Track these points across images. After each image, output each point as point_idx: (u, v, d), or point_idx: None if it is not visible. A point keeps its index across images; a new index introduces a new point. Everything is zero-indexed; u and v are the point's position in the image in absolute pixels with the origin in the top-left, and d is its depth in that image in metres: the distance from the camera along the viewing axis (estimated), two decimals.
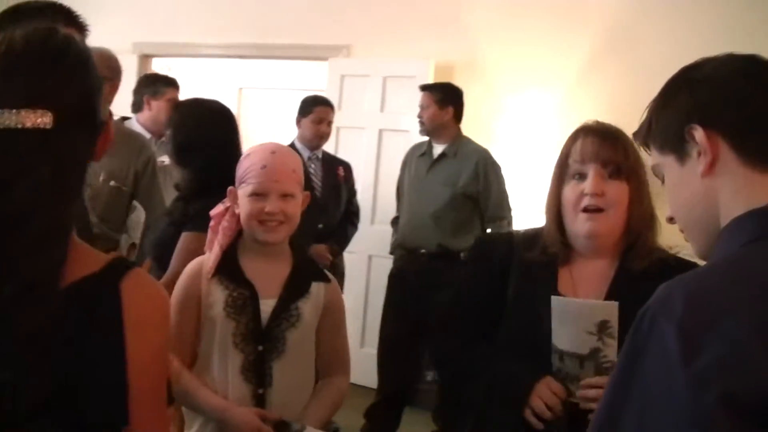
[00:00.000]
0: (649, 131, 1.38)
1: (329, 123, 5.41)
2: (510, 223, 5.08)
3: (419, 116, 5.23)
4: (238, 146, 3.27)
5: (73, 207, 1.32)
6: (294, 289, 2.38)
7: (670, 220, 1.40)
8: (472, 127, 5.52)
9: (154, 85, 4.83)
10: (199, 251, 3.06)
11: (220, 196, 3.09)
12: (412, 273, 5.07)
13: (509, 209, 5.11)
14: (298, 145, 5.36)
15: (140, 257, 3.54)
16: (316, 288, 2.42)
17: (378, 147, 6.32)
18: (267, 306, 2.33)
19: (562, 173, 2.14)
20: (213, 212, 2.45)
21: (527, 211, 5.38)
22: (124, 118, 4.66)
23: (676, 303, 1.08)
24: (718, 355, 1.03)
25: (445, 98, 5.16)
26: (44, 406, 1.20)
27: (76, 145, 1.30)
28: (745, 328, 1.05)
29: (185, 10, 7.05)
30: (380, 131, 6.30)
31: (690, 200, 1.32)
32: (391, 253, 5.38)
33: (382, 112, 6.30)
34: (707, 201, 1.28)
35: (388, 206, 5.89)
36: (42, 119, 1.24)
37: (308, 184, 5.15)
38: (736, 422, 1.00)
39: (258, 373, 2.31)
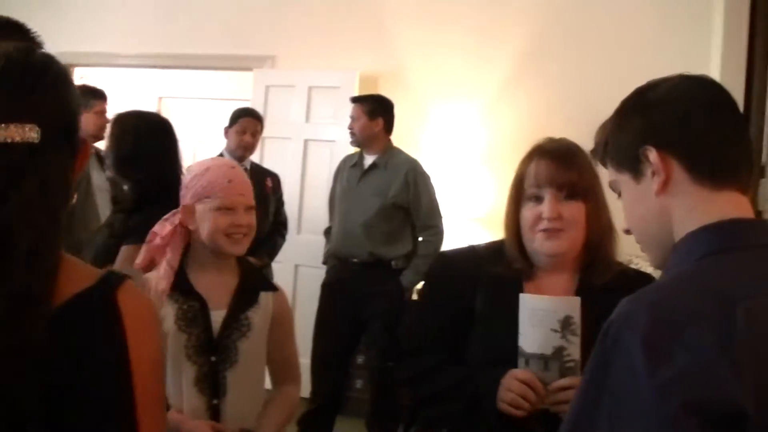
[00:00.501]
0: (606, 150, 1.46)
1: (253, 134, 5.43)
2: (441, 232, 5.15)
3: (350, 127, 5.27)
4: (178, 158, 3.30)
5: (60, 221, 1.32)
6: (243, 300, 2.42)
7: (627, 231, 1.48)
8: (398, 136, 5.59)
9: (82, 97, 4.75)
10: None
11: (161, 208, 3.11)
12: (344, 282, 5.11)
13: (440, 217, 5.17)
14: (226, 156, 5.38)
15: None
16: (265, 297, 2.47)
17: (304, 157, 6.34)
18: (218, 317, 2.37)
19: (519, 194, 2.18)
20: (161, 233, 2.47)
21: (453, 218, 5.48)
22: None
23: (639, 316, 1.15)
24: (681, 365, 1.09)
25: (375, 110, 5.21)
26: (43, 424, 1.20)
27: (61, 159, 1.32)
28: (706, 339, 1.12)
29: (107, 19, 6.98)
30: (306, 141, 6.33)
31: (645, 216, 1.40)
32: (324, 262, 5.40)
33: (307, 123, 6.33)
34: (661, 217, 1.36)
35: (315, 216, 5.93)
36: (30, 134, 1.26)
37: None
38: (700, 429, 1.07)
39: (212, 384, 2.34)
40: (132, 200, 3.18)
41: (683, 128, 1.33)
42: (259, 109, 6.10)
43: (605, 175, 1.54)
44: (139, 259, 2.50)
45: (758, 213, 4.64)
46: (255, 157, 5.82)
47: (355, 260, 5.12)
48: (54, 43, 5.98)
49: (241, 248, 2.43)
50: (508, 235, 2.22)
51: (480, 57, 5.95)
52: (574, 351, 2.00)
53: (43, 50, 1.41)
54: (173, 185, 3.15)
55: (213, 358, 2.34)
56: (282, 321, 2.52)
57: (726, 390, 1.09)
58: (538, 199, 2.12)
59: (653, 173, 1.34)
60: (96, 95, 4.89)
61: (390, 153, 5.24)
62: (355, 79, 6.09)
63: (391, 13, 6.20)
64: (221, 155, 5.43)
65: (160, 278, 2.39)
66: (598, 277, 2.11)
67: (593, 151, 1.52)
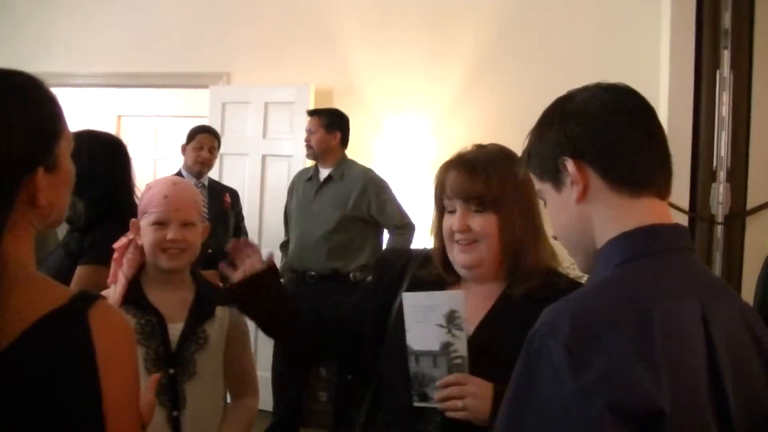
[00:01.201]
0: (529, 161, 1.50)
1: (210, 150, 5.46)
2: (413, 226, 5.22)
3: (307, 140, 5.31)
4: (131, 177, 3.33)
5: None
6: (199, 313, 2.45)
7: (555, 238, 1.53)
8: (353, 147, 5.65)
9: None
10: (97, 282, 3.08)
11: (115, 227, 3.12)
12: (301, 295, 5.13)
13: (406, 214, 5.24)
14: (184, 173, 5.43)
15: None
16: (221, 311, 2.50)
17: (262, 172, 6.38)
18: (175, 330, 2.40)
19: (440, 204, 2.16)
20: (116, 245, 2.50)
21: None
22: None
23: (562, 323, 1.20)
24: (602, 369, 1.15)
25: (332, 123, 5.26)
26: None
27: None
28: (623, 343, 1.18)
29: (62, 38, 6.98)
30: (263, 157, 6.37)
31: (567, 223, 1.45)
32: (281, 276, 5.43)
33: (264, 138, 6.37)
34: (583, 224, 1.42)
35: (274, 230, 5.95)
36: None
37: None
38: (620, 428, 1.13)
39: (171, 396, 2.36)
40: (86, 219, 3.19)
41: (597, 138, 1.38)
42: (216, 125, 6.17)
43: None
44: (110, 276, 2.51)
45: (710, 217, 4.75)
46: (214, 174, 5.85)
47: (312, 273, 5.16)
48: (8, 62, 5.97)
49: (178, 263, 2.44)
50: (434, 244, 2.22)
51: (431, 71, 6.04)
52: (460, 346, 1.97)
53: None
54: (126, 204, 3.20)
55: (171, 371, 2.36)
56: (237, 335, 2.54)
57: (644, 390, 1.15)
58: (453, 211, 2.10)
59: (572, 182, 1.39)
60: None
61: (345, 165, 5.28)
62: (309, 93, 6.15)
63: (343, 28, 6.26)
64: (179, 172, 5.48)
65: (113, 292, 2.43)
66: (521, 286, 2.05)
67: (519, 161, 1.56)
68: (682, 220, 4.33)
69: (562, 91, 1.51)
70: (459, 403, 1.90)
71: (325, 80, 6.25)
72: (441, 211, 2.16)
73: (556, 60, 5.61)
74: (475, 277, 2.13)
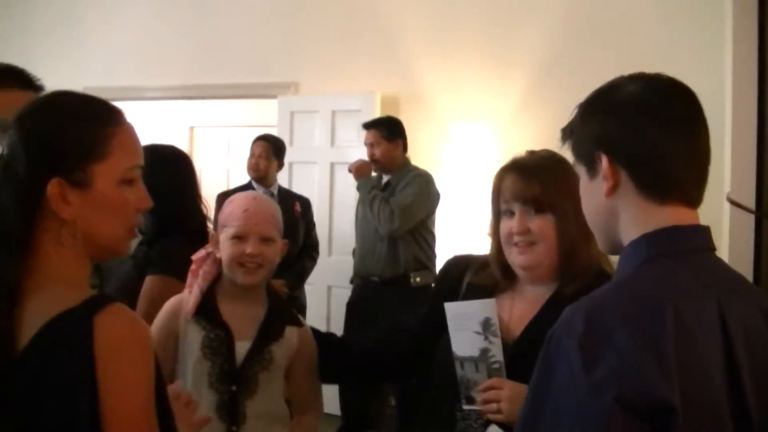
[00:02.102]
0: (570, 138, 1.53)
1: (262, 156, 5.57)
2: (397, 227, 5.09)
3: (370, 155, 5.33)
4: (196, 189, 3.40)
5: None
6: (268, 333, 2.44)
7: None
8: (421, 155, 5.68)
9: None
10: (164, 292, 3.14)
11: (181, 238, 3.21)
12: (366, 300, 5.19)
13: (406, 217, 5.08)
14: (254, 183, 5.53)
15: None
16: (289, 332, 2.48)
17: (330, 180, 6.44)
18: (242, 348, 2.40)
19: (497, 208, 2.23)
20: (195, 257, 2.52)
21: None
22: None
23: (576, 323, 1.24)
24: (612, 365, 1.19)
25: (392, 132, 5.29)
26: None
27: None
28: (633, 340, 1.21)
29: (134, 54, 7.15)
30: (332, 165, 6.42)
31: (595, 210, 1.49)
32: (351, 282, 5.49)
33: (332, 146, 6.43)
34: (608, 216, 1.45)
35: (344, 237, 6.02)
36: None
37: None
38: (630, 421, 1.17)
39: (231, 412, 2.36)
40: (151, 232, 3.27)
41: (633, 142, 1.39)
42: (285, 134, 6.29)
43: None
44: (186, 287, 2.54)
45: None
46: (284, 182, 5.95)
47: (374, 278, 5.21)
48: (82, 79, 6.21)
49: (254, 279, 2.44)
50: (492, 247, 2.29)
51: (494, 80, 6.02)
52: (497, 352, 2.08)
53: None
54: (191, 216, 3.29)
55: (234, 387, 2.37)
56: (304, 357, 2.52)
57: (652, 386, 1.18)
58: (512, 214, 2.17)
59: (604, 177, 1.42)
60: None
61: (405, 170, 5.30)
62: (376, 101, 6.19)
63: (408, 36, 6.30)
64: (249, 182, 5.61)
65: (187, 299, 2.47)
66: (570, 287, 2.10)
67: (562, 131, 1.56)
68: (748, 219, 4.24)
69: None
70: (495, 406, 2.00)
71: (390, 88, 6.28)
72: (498, 215, 2.23)
73: (619, 68, 5.52)
74: (532, 278, 2.20)
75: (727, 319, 1.30)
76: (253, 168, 5.59)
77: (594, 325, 1.23)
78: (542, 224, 2.13)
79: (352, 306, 5.35)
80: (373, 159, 5.33)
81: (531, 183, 2.14)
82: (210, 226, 3.34)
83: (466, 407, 2.13)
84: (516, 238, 2.15)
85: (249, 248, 2.40)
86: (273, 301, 2.53)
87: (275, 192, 5.56)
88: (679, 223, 1.38)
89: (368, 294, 5.19)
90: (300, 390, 2.54)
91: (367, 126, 5.42)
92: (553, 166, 2.18)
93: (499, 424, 2.01)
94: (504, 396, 2.00)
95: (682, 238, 1.38)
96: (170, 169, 3.33)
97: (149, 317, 3.14)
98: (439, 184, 5.37)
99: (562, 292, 2.13)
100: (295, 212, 5.52)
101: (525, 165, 2.20)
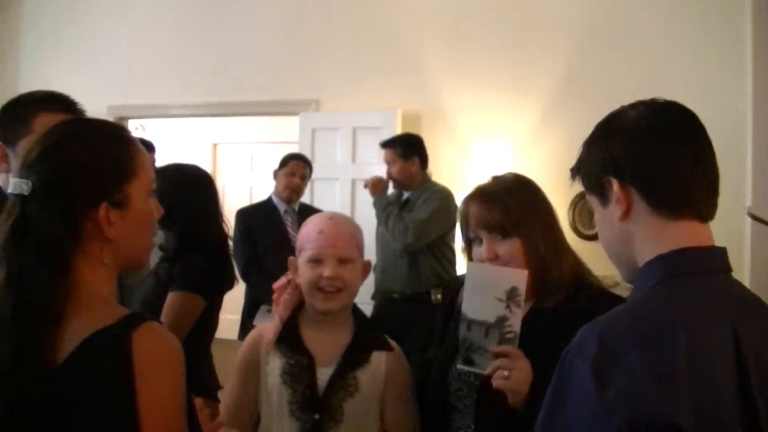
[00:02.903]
0: (579, 173, 1.55)
1: (302, 177, 5.57)
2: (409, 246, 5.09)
3: (388, 174, 5.34)
4: (217, 207, 3.46)
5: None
6: (353, 358, 2.30)
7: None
8: (443, 172, 5.69)
9: None
10: (186, 308, 3.21)
11: (202, 256, 3.26)
12: (387, 317, 5.17)
13: (420, 233, 5.07)
14: (275, 199, 5.58)
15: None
16: (377, 357, 2.32)
17: (352, 197, 6.45)
18: (324, 374, 2.26)
19: (466, 236, 2.27)
20: (275, 285, 2.41)
21: None
22: None
23: (590, 344, 1.26)
24: (623, 387, 1.21)
25: (407, 150, 5.29)
26: None
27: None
28: (645, 363, 1.22)
29: (157, 72, 7.23)
30: (353, 181, 6.44)
31: (610, 238, 1.50)
32: (372, 298, 5.50)
33: (353, 163, 6.46)
34: (624, 241, 1.46)
35: (366, 254, 5.98)
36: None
37: (284, 237, 5.33)
38: None
39: None
40: (174, 250, 3.32)
41: (641, 161, 1.41)
42: (306, 151, 6.30)
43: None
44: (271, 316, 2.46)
45: None
46: (305, 198, 5.97)
47: (395, 295, 5.21)
48: (106, 98, 6.28)
49: (333, 304, 2.30)
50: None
51: (513, 96, 6.05)
52: (515, 322, 2.05)
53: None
54: (213, 234, 3.35)
55: (316, 416, 2.23)
56: (395, 383, 2.33)
57: (662, 409, 1.19)
58: (480, 240, 2.20)
59: (616, 201, 1.43)
60: (145, 147, 4.96)
61: (424, 186, 5.30)
62: (397, 117, 6.22)
63: (427, 53, 6.33)
64: (269, 198, 5.63)
65: (269, 330, 2.36)
66: (547, 301, 2.16)
67: (571, 170, 1.60)
68: None
69: None
70: (505, 373, 1.98)
71: (411, 105, 6.31)
72: (468, 242, 2.27)
73: (638, 88, 5.53)
74: None
75: (740, 340, 1.31)
76: (294, 188, 5.55)
77: (607, 346, 1.25)
78: (510, 248, 2.16)
79: (373, 322, 5.33)
80: (390, 177, 5.34)
81: (493, 210, 2.17)
82: (231, 244, 3.39)
83: (462, 367, 2.12)
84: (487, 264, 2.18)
85: (326, 271, 2.27)
86: (360, 325, 2.40)
87: (296, 208, 5.58)
88: (694, 244, 1.40)
89: (389, 311, 5.17)
90: (394, 421, 2.33)
91: (384, 145, 5.45)
92: (515, 190, 2.22)
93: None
94: (516, 366, 1.99)
95: (694, 260, 1.39)
96: (193, 189, 3.39)
97: (173, 333, 3.19)
98: (461, 201, 5.32)
99: (539, 309, 2.17)
100: None
101: (487, 192, 2.23)
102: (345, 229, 2.36)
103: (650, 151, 1.41)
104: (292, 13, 6.81)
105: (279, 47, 6.83)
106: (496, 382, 2.00)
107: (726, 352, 1.29)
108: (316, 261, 2.29)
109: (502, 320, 2.07)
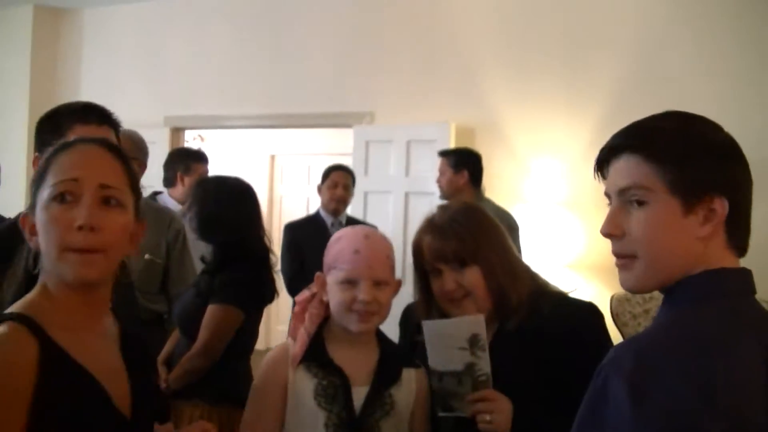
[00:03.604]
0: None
1: (345, 187, 5.52)
2: None
3: (438, 182, 5.33)
4: (259, 220, 3.46)
5: None
6: (386, 376, 2.22)
7: (608, 235, 1.46)
8: (498, 188, 5.64)
9: (185, 161, 4.92)
10: (226, 321, 3.21)
11: (243, 268, 3.25)
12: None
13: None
14: (322, 213, 5.56)
15: (169, 325, 3.72)
16: (407, 374, 2.25)
17: (405, 210, 6.41)
18: (359, 394, 2.17)
19: (421, 268, 2.28)
20: (298, 298, 2.33)
21: (551, 268, 5.46)
22: (156, 193, 4.81)
23: (626, 362, 1.23)
24: (661, 402, 1.18)
25: (459, 162, 5.25)
26: None
27: None
28: (683, 380, 1.19)
29: (214, 83, 7.30)
30: (406, 194, 6.40)
31: (672, 248, 1.39)
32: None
33: (407, 176, 6.42)
34: (688, 258, 1.38)
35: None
36: None
37: None
38: None
39: None
40: (215, 261, 3.32)
41: (740, 192, 1.38)
42: (360, 163, 6.32)
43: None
44: (290, 330, 2.37)
45: None
46: (358, 212, 5.96)
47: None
48: (165, 108, 6.39)
49: (368, 326, 2.20)
50: (420, 305, 2.34)
51: (569, 111, 5.95)
52: (484, 365, 2.09)
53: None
54: (255, 247, 3.35)
55: None
56: (424, 400, 2.26)
57: (698, 425, 1.17)
58: (439, 272, 2.21)
59: (705, 218, 1.36)
60: (198, 159, 5.01)
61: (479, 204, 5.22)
62: (451, 131, 6.16)
63: (482, 66, 6.27)
64: (317, 212, 5.62)
65: (295, 344, 2.26)
66: (510, 322, 2.18)
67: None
68: None
69: None
70: (487, 417, 2.05)
71: (466, 118, 6.26)
72: (422, 272, 2.29)
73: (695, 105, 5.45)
74: None
75: None
76: (340, 199, 5.51)
77: (644, 362, 1.23)
78: (470, 277, 2.19)
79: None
80: (439, 186, 5.33)
81: (448, 241, 2.19)
82: (273, 258, 3.38)
83: (444, 414, 2.15)
84: (450, 295, 2.20)
85: (362, 295, 2.15)
86: (385, 342, 2.31)
87: (343, 221, 5.54)
88: (725, 265, 1.38)
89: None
90: None
91: (440, 153, 5.45)
92: (467, 219, 2.24)
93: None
94: (497, 408, 2.05)
95: (730, 281, 1.37)
96: (235, 201, 3.39)
97: (212, 347, 3.21)
98: (518, 217, 5.29)
99: (505, 329, 2.20)
100: None
101: (439, 224, 2.24)
102: (382, 249, 2.23)
103: (743, 186, 1.40)
104: (348, 28, 6.81)
105: (335, 60, 6.84)
106: (480, 426, 2.05)
107: (760, 377, 1.27)
108: (351, 282, 2.17)
109: (470, 366, 2.11)
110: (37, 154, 2.37)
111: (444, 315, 2.24)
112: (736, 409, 1.20)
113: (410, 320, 2.44)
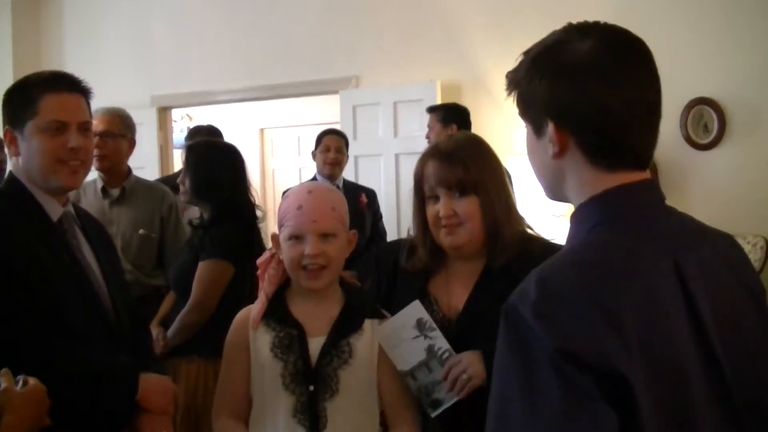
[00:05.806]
0: (515, 88, 1.41)
1: (338, 149, 5.55)
2: None
3: (427, 137, 5.35)
4: (247, 179, 3.56)
5: None
6: (344, 326, 2.22)
7: None
8: (487, 141, 5.63)
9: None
10: (216, 274, 3.31)
11: (233, 225, 3.36)
12: None
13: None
14: (318, 178, 5.57)
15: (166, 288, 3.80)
16: (371, 325, 2.25)
17: (396, 171, 6.44)
18: (316, 344, 2.19)
19: (421, 193, 2.30)
20: (259, 261, 2.34)
21: (544, 220, 5.48)
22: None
23: (530, 292, 1.19)
24: (567, 328, 1.13)
25: (447, 117, 5.28)
26: None
27: None
28: (589, 307, 1.15)
29: (198, 60, 7.27)
30: (396, 155, 6.43)
31: (540, 168, 1.41)
32: None
33: (396, 137, 6.45)
34: (555, 177, 1.38)
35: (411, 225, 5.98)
36: None
37: None
38: (584, 379, 1.10)
39: (311, 415, 2.16)
40: (209, 218, 3.43)
41: (584, 109, 1.30)
42: (348, 128, 6.33)
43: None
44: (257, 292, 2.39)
45: None
46: (350, 176, 5.97)
47: None
48: (152, 88, 6.40)
49: (319, 282, 2.21)
50: (416, 232, 2.36)
51: None
52: (441, 342, 2.16)
53: None
54: (245, 205, 3.46)
55: (311, 388, 2.16)
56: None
57: (605, 350, 1.12)
58: (436, 198, 2.23)
59: (550, 141, 1.34)
60: (212, 135, 5.11)
61: None
62: (436, 89, 6.17)
63: (465, 21, 6.26)
64: (314, 178, 5.64)
65: (254, 308, 2.29)
66: (499, 260, 2.22)
67: (509, 78, 1.47)
68: None
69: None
70: (465, 377, 2.09)
71: (451, 75, 6.26)
72: (421, 200, 2.30)
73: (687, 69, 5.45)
74: (461, 255, 2.30)
75: (686, 279, 1.24)
76: (334, 162, 5.53)
77: (547, 292, 1.18)
78: (467, 206, 2.21)
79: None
80: (428, 142, 5.29)
81: (454, 167, 2.21)
82: (259, 212, 3.48)
83: (435, 413, 2.18)
84: (443, 221, 2.22)
85: (308, 248, 2.16)
86: (349, 294, 2.32)
87: (340, 185, 5.54)
88: (625, 181, 1.31)
89: None
90: (387, 393, 2.26)
91: (429, 109, 5.49)
92: (473, 149, 2.28)
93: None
94: (465, 364, 2.10)
95: (630, 197, 1.31)
96: (228, 162, 3.49)
97: (205, 301, 3.32)
98: (508, 169, 5.28)
99: (493, 266, 2.24)
100: (361, 203, 5.52)
101: (447, 150, 2.26)
102: (326, 202, 2.24)
103: (597, 100, 1.29)
104: None
105: (317, 27, 6.81)
106: (464, 391, 2.10)
107: (675, 297, 1.23)
108: (297, 238, 2.19)
109: (430, 349, 2.16)
110: (8, 127, 2.36)
111: (436, 245, 2.28)
112: (648, 330, 1.16)
113: (382, 263, 2.47)
